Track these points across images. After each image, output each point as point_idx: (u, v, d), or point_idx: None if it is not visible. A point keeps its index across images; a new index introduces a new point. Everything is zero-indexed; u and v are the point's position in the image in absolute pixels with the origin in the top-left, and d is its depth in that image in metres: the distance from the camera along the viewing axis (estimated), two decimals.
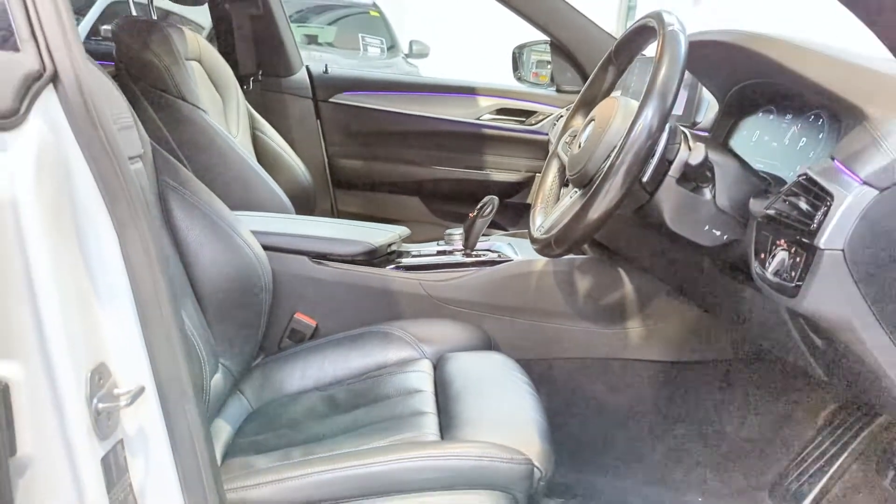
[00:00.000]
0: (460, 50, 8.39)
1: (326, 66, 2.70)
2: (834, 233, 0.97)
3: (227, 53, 2.38)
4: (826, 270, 0.98)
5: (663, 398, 1.73)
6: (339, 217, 2.63)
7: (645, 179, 1.18)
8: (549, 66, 2.64)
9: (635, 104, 1.23)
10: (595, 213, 1.15)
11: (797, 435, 1.66)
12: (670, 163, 1.20)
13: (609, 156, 1.20)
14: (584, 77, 2.51)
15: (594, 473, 1.68)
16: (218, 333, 1.37)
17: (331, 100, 2.64)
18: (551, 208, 1.42)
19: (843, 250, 0.97)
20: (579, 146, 1.30)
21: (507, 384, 1.39)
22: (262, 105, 2.43)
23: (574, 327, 1.68)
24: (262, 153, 2.23)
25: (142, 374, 0.85)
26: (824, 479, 1.56)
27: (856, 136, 1.05)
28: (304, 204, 2.23)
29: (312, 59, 2.71)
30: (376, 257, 1.68)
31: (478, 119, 2.66)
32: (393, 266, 1.70)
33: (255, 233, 1.47)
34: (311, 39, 6.94)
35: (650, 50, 1.32)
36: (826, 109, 1.21)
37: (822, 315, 1.03)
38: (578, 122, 1.46)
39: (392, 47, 7.14)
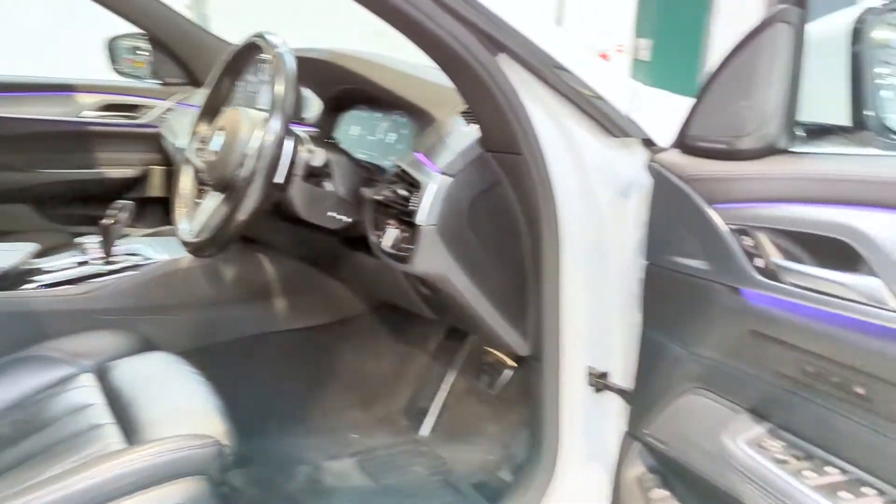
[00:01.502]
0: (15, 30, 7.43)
1: None
2: (427, 212, 1.28)
3: None
4: (426, 241, 1.30)
5: (314, 357, 2.00)
6: None
7: (279, 181, 1.39)
8: (138, 53, 2.63)
9: (256, 113, 1.42)
10: (242, 214, 1.32)
11: (418, 364, 2.07)
12: (295, 164, 1.42)
13: (242, 163, 1.37)
14: (185, 68, 2.58)
15: (267, 438, 1.86)
16: None
17: None
18: (194, 211, 1.54)
19: (436, 224, 1.30)
20: (215, 154, 1.44)
21: (175, 378, 1.47)
22: None
23: (227, 313, 1.84)
24: None
25: None
26: (443, 394, 1.99)
27: (429, 134, 1.40)
28: None
29: None
30: (9, 280, 1.61)
31: (80, 117, 2.55)
32: (34, 286, 1.65)
33: None
34: None
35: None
36: (405, 111, 1.55)
37: (427, 273, 1.36)
38: (204, 128, 1.59)
39: None
